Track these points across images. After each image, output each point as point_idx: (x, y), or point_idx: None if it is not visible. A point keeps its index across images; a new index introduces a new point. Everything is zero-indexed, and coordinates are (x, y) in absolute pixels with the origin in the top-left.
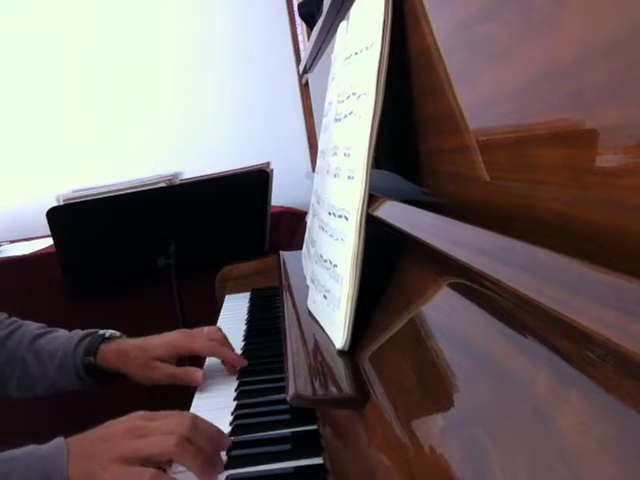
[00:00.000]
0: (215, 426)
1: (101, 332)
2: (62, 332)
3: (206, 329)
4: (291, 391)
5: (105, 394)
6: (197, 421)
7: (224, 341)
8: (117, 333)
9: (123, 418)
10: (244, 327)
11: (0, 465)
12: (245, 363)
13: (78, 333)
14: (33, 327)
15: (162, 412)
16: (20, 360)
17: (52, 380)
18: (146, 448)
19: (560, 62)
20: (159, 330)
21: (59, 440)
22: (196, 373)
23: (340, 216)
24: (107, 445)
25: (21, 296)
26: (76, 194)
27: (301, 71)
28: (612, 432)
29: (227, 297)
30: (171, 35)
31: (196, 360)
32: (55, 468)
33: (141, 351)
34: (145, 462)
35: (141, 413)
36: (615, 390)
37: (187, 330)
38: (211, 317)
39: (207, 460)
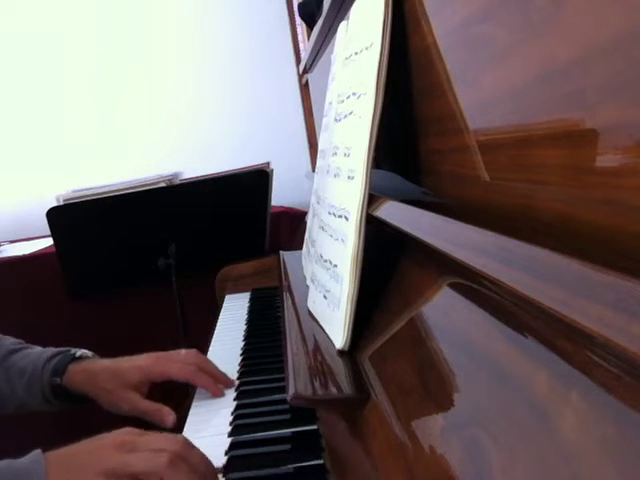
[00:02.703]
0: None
1: (72, 351)
2: (36, 349)
3: (183, 351)
4: (291, 391)
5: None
6: (189, 442)
7: (203, 365)
8: (89, 353)
9: (109, 433)
10: (244, 327)
11: None
12: (223, 394)
13: (49, 351)
14: (8, 342)
15: (152, 432)
16: None
17: (20, 399)
18: (136, 463)
19: (560, 62)
20: (159, 330)
21: (36, 453)
22: (168, 416)
23: (340, 216)
24: (93, 458)
25: (21, 296)
26: (76, 194)
27: (301, 71)
28: (612, 432)
29: (227, 297)
30: (171, 35)
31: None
32: None
33: (112, 376)
34: (133, 479)
35: (129, 429)
36: (615, 390)
37: (161, 354)
38: (211, 317)
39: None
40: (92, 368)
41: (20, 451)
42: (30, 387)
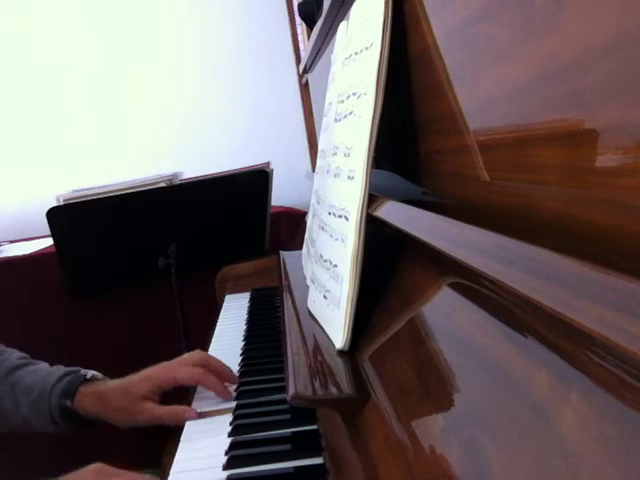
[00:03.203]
0: None
1: (82, 372)
2: (43, 365)
3: (186, 355)
4: (291, 391)
5: None
6: None
7: (209, 363)
8: (99, 375)
9: (76, 473)
10: (244, 327)
11: None
12: (231, 397)
13: (59, 370)
14: (14, 356)
15: (119, 471)
16: None
17: (25, 418)
18: None
19: (560, 62)
20: (159, 330)
21: None
22: (186, 414)
23: (340, 216)
24: None
25: (21, 296)
26: (76, 194)
27: (301, 71)
28: (612, 432)
29: (227, 297)
30: (171, 35)
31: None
32: None
33: (122, 394)
34: None
35: (97, 466)
36: (615, 390)
37: (167, 362)
38: (211, 317)
39: None
40: (103, 390)
41: (19, 469)
42: (37, 406)
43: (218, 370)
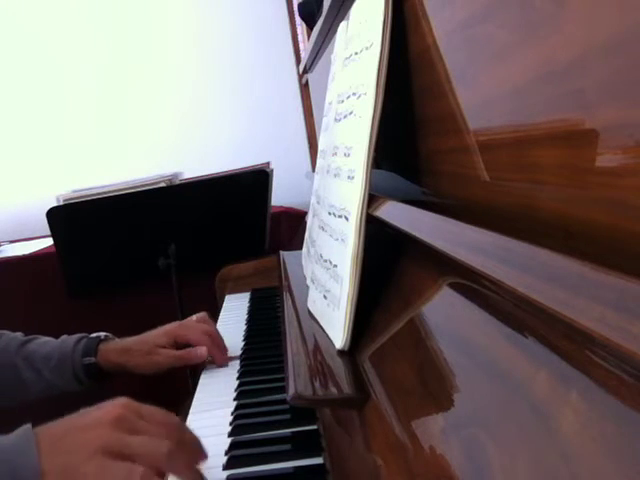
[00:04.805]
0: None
1: (96, 334)
2: (48, 338)
3: (195, 317)
4: (291, 391)
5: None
6: (184, 429)
7: (215, 336)
8: (110, 335)
9: (104, 404)
10: (244, 327)
11: None
12: (227, 363)
13: (71, 337)
14: (16, 334)
15: (148, 407)
16: (9, 366)
17: (47, 382)
18: (135, 447)
19: (560, 62)
20: None
21: (26, 429)
22: (198, 350)
23: (340, 216)
24: (89, 434)
25: (21, 296)
26: (76, 194)
27: (301, 71)
28: (612, 432)
29: (227, 297)
30: (171, 35)
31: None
32: (24, 462)
33: (143, 343)
34: (129, 460)
35: (125, 401)
36: (615, 390)
37: (181, 322)
38: (211, 317)
39: (196, 471)
40: (123, 343)
41: None
42: (59, 369)
43: (220, 346)
